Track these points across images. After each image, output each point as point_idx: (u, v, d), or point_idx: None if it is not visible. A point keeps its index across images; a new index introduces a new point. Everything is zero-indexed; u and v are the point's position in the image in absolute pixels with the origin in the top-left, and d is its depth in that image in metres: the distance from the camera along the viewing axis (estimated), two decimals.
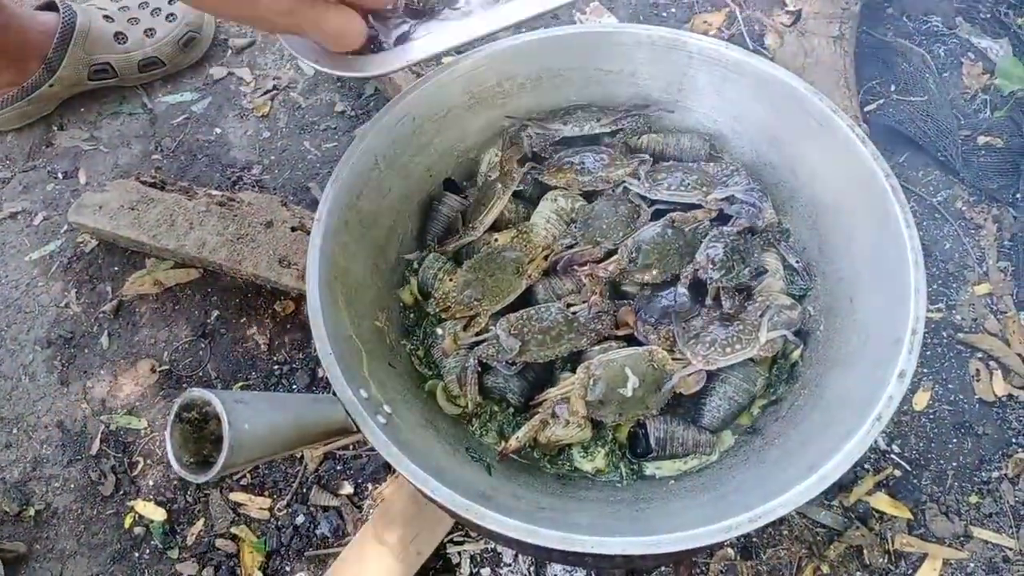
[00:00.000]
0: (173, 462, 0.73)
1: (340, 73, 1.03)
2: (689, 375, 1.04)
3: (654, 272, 1.09)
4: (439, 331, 1.13)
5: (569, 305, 1.10)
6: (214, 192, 1.53)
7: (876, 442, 1.29)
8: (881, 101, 1.60)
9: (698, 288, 1.10)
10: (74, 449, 1.38)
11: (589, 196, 1.20)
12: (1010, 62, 1.55)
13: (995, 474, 1.28)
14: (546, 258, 1.13)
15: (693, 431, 1.04)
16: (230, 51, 1.80)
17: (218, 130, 1.70)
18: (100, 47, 1.66)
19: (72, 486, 1.36)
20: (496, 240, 1.16)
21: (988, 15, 1.72)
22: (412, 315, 1.18)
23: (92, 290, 1.52)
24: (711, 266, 1.07)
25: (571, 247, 1.14)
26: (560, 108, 1.25)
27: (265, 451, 0.78)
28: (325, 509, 1.31)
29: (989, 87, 1.62)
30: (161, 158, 1.68)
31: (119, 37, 1.68)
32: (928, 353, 1.38)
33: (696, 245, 1.12)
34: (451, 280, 1.14)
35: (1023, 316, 1.39)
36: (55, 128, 1.74)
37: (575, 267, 1.12)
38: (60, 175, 1.67)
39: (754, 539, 1.25)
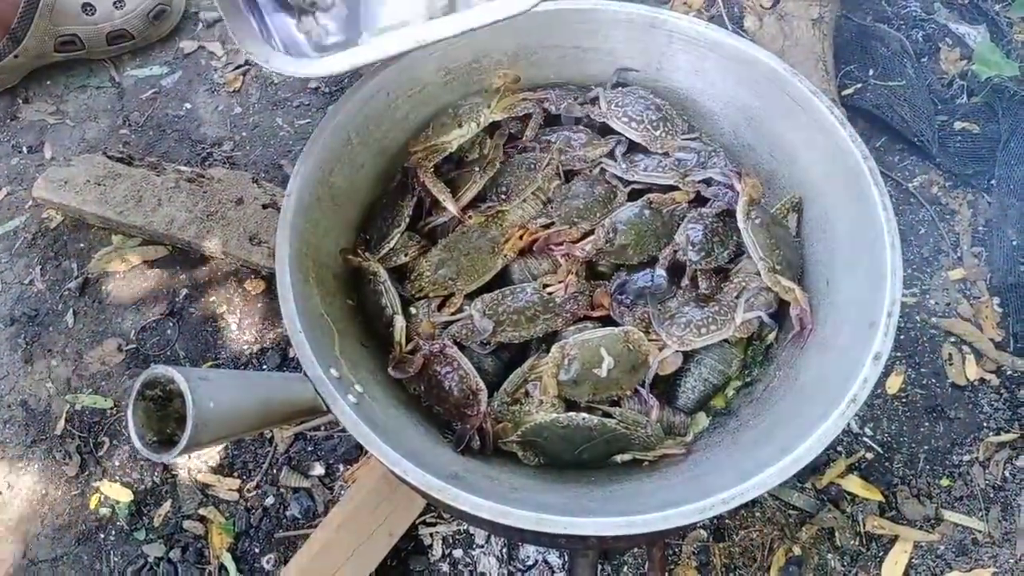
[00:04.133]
0: (135, 440, 0.72)
1: (287, 72, 1.02)
2: (665, 357, 1.04)
3: (630, 253, 1.08)
4: (413, 310, 1.11)
5: (545, 285, 1.08)
6: (183, 168, 1.50)
7: (849, 425, 1.30)
8: (859, 85, 1.60)
9: (674, 270, 1.09)
10: (38, 429, 1.35)
11: (566, 176, 1.18)
12: (987, 48, 1.55)
13: (966, 457, 1.29)
14: (521, 238, 1.12)
15: (668, 412, 1.04)
16: (201, 24, 1.75)
17: (188, 105, 1.66)
18: (67, 18, 1.62)
19: (36, 466, 1.33)
20: (470, 218, 1.14)
21: (966, 1, 1.72)
22: None
23: (57, 267, 1.49)
24: (691, 248, 1.07)
25: (548, 227, 1.13)
26: (537, 86, 1.23)
27: (231, 430, 0.77)
28: (295, 490, 1.29)
29: (966, 73, 1.62)
30: (129, 133, 1.64)
31: (87, 8, 1.63)
32: (902, 337, 1.38)
33: (673, 227, 1.11)
34: (425, 260, 1.12)
35: (996, 301, 1.40)
36: (20, 101, 1.69)
37: (551, 247, 1.11)
38: (25, 149, 1.63)
39: (727, 521, 1.25)
